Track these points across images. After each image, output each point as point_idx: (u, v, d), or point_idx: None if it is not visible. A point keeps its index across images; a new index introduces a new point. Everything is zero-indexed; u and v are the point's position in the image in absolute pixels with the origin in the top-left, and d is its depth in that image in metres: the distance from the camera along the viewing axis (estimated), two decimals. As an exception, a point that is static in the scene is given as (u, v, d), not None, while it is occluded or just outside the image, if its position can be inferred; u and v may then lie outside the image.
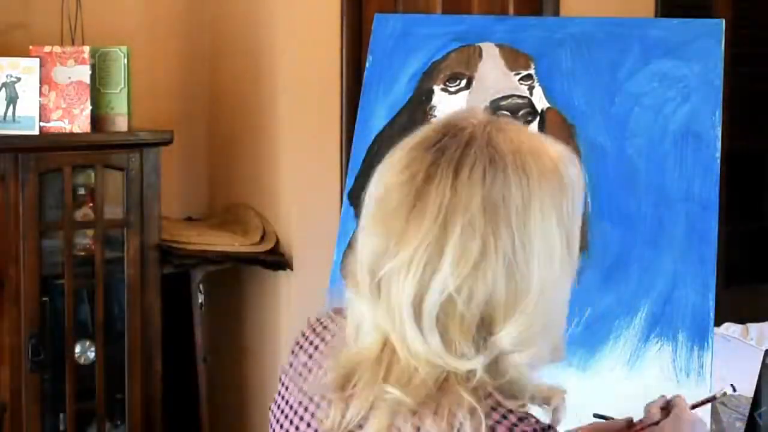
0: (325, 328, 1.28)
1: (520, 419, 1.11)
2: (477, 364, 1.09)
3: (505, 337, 1.10)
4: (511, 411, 1.11)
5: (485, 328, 1.10)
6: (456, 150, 1.12)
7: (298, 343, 1.29)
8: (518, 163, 1.13)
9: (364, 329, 1.15)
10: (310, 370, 1.25)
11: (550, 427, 1.12)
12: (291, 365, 1.28)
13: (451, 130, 1.15)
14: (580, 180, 1.19)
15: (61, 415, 3.05)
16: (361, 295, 1.15)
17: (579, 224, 1.17)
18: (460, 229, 1.09)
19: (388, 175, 1.15)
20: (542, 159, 1.15)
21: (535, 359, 1.14)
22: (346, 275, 1.18)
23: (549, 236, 1.12)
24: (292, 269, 3.33)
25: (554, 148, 1.19)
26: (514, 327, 1.10)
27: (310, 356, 1.26)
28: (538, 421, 1.12)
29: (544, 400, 1.15)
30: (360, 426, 1.14)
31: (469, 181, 1.10)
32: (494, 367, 1.12)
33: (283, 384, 1.29)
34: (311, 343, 1.28)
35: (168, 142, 3.11)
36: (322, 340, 1.27)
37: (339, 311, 1.25)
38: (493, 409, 1.11)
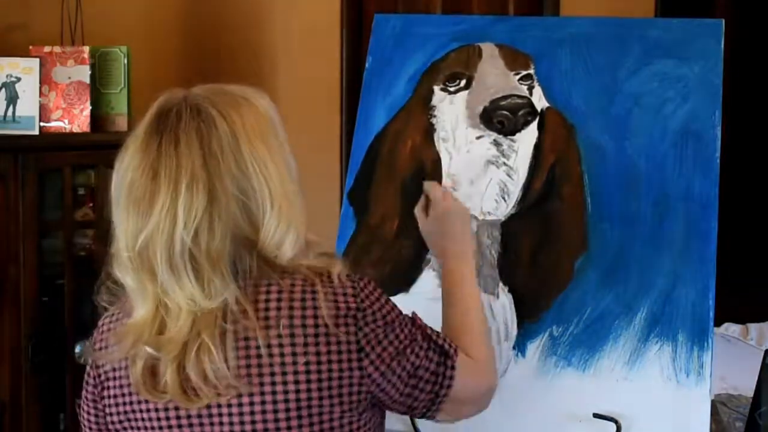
0: (112, 316, 1.48)
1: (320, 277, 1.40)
2: (220, 298, 1.34)
3: (266, 245, 1.37)
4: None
5: (245, 248, 1.36)
6: (170, 130, 1.36)
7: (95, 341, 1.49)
8: (223, 115, 1.37)
9: (139, 301, 1.38)
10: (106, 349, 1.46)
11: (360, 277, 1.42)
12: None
13: (162, 116, 1.38)
14: (272, 106, 1.46)
15: (61, 415, 3.06)
16: (125, 269, 1.38)
17: (285, 138, 1.45)
18: (184, 188, 1.33)
19: (127, 171, 1.38)
20: (239, 103, 1.40)
21: (295, 248, 1.39)
22: (112, 265, 1.41)
23: (264, 163, 1.38)
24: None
25: (243, 90, 1.44)
26: (267, 236, 1.37)
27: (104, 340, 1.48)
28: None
29: (324, 270, 1.40)
30: (115, 369, 1.42)
31: (188, 148, 1.35)
32: (270, 263, 1.38)
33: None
34: (103, 332, 1.48)
35: (168, 142, 3.11)
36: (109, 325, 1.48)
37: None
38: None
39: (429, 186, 1.85)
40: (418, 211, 1.84)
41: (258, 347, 1.35)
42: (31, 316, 2.93)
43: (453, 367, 1.47)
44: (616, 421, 1.83)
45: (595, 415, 1.84)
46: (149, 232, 1.34)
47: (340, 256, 1.45)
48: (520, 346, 1.94)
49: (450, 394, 1.47)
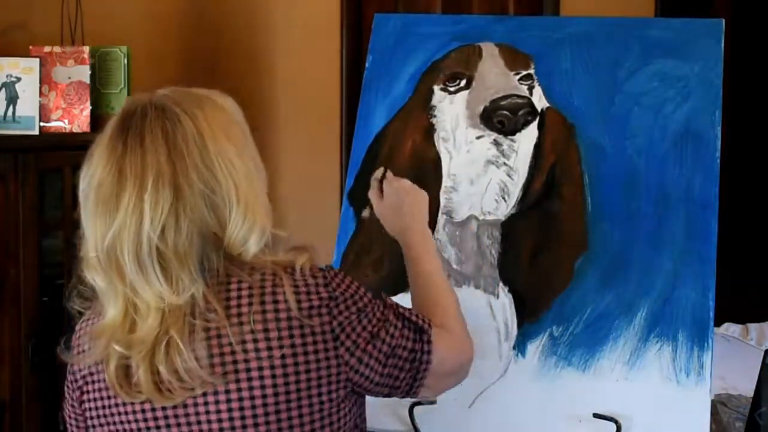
0: (88, 320, 1.49)
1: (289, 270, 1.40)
2: (188, 294, 1.34)
3: (232, 241, 1.38)
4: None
5: (211, 244, 1.37)
6: (135, 128, 1.38)
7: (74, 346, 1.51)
8: (187, 112, 1.39)
9: (110, 301, 1.38)
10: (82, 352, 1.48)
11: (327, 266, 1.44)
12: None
13: (127, 117, 1.40)
14: (237, 108, 1.47)
15: (61, 415, 3.05)
16: (94, 270, 1.39)
17: (250, 137, 1.46)
18: (150, 184, 1.34)
19: (95, 173, 1.39)
20: (203, 102, 1.42)
21: (260, 244, 1.40)
22: (82, 269, 1.41)
23: (230, 158, 1.38)
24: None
25: (207, 92, 1.46)
26: (233, 231, 1.37)
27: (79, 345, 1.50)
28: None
29: (290, 264, 1.40)
30: (93, 373, 1.43)
31: (153, 144, 1.36)
32: (236, 261, 1.38)
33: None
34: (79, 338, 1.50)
35: (168, 142, 3.11)
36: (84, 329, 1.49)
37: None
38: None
39: (378, 173, 1.87)
40: (372, 194, 1.86)
41: (230, 344, 1.35)
42: (31, 316, 2.93)
43: (429, 341, 1.48)
44: (616, 421, 1.83)
45: (595, 415, 1.85)
46: (116, 231, 1.35)
47: (309, 247, 1.45)
48: (520, 346, 1.94)
49: (430, 369, 1.48)
